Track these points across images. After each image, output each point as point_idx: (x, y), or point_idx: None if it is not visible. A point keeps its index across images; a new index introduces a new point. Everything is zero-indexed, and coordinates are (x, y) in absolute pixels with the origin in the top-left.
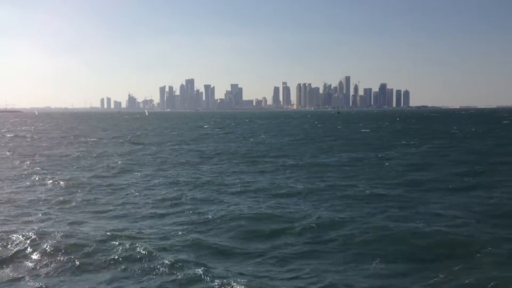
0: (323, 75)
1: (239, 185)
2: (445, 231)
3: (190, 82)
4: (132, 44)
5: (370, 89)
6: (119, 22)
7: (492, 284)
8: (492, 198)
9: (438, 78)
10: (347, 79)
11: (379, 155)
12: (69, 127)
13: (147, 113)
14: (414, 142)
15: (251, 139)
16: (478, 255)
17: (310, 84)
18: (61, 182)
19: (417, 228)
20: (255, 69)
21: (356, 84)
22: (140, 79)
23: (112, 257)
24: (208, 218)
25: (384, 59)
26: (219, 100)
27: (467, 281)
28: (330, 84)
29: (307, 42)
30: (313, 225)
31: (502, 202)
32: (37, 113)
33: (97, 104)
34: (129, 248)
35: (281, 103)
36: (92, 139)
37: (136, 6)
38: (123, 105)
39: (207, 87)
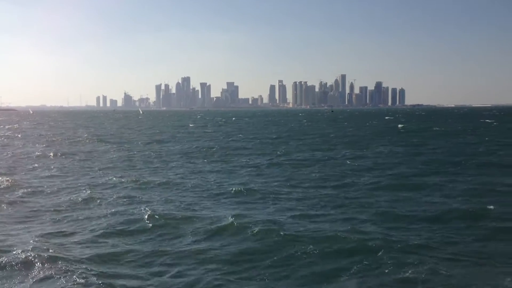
0: (319, 73)
1: (172, 182)
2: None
3: (186, 80)
4: (128, 42)
5: (366, 88)
6: (115, 20)
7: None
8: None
9: (434, 76)
10: (343, 77)
11: (338, 155)
12: (52, 125)
13: (141, 112)
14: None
15: (230, 138)
16: (382, 255)
17: (306, 82)
18: None
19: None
20: (251, 67)
21: (352, 83)
22: (136, 77)
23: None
24: (126, 218)
25: (380, 57)
26: (215, 98)
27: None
28: (326, 82)
29: (303, 40)
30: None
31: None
32: (31, 112)
33: (93, 102)
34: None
35: (277, 102)
36: (63, 138)
37: (132, 3)
38: (119, 103)
39: (203, 85)
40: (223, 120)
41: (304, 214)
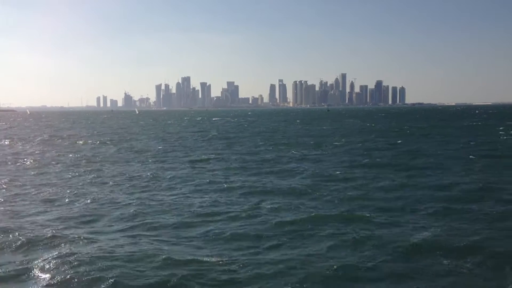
0: (319, 72)
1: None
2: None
3: (186, 80)
4: (129, 43)
5: (366, 86)
6: (116, 21)
7: None
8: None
9: (435, 75)
10: (343, 76)
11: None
12: (26, 126)
13: (137, 112)
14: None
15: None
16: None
17: (306, 81)
18: None
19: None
20: (252, 66)
21: (352, 81)
22: (136, 77)
23: None
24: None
25: (381, 56)
26: (215, 98)
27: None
28: (326, 81)
29: (303, 39)
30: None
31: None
32: (28, 112)
33: (93, 103)
34: None
35: (278, 101)
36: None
37: (132, 4)
38: (119, 103)
39: (203, 85)
40: (199, 118)
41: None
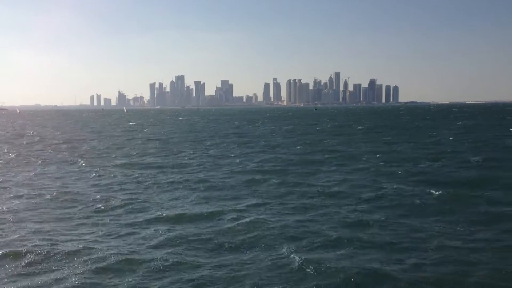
0: (313, 71)
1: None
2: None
3: (180, 78)
4: (122, 41)
5: (360, 85)
6: (109, 19)
7: None
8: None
9: (428, 74)
10: (337, 75)
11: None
12: (18, 124)
13: (125, 110)
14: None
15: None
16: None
17: (300, 80)
18: None
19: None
20: (246, 65)
21: (345, 80)
22: (130, 76)
23: None
24: None
25: (374, 55)
26: (209, 97)
27: None
28: (320, 80)
29: (297, 38)
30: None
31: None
32: (18, 111)
33: (87, 102)
34: None
35: (272, 99)
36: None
37: (126, 3)
38: (113, 102)
39: (197, 83)
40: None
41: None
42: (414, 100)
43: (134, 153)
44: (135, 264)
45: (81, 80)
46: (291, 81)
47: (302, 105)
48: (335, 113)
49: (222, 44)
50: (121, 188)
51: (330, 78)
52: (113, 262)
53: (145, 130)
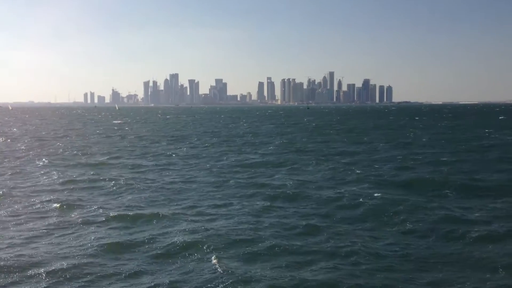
0: (307, 70)
1: None
2: None
3: (175, 76)
4: (117, 38)
5: (354, 85)
6: (103, 15)
7: None
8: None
9: (422, 74)
10: (331, 74)
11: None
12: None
13: (117, 108)
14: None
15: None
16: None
17: (294, 79)
18: None
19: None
20: (240, 64)
21: (340, 80)
22: (124, 74)
23: None
24: None
25: (369, 54)
26: (203, 95)
27: None
28: (314, 80)
29: (292, 37)
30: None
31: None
32: (10, 108)
33: (80, 99)
34: None
35: (266, 98)
36: None
37: None
38: (107, 99)
39: (191, 81)
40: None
41: None
42: (407, 100)
43: (98, 152)
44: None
45: (75, 78)
46: (285, 80)
47: (296, 104)
48: (326, 112)
49: (217, 42)
50: (57, 189)
51: (324, 77)
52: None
53: (126, 129)
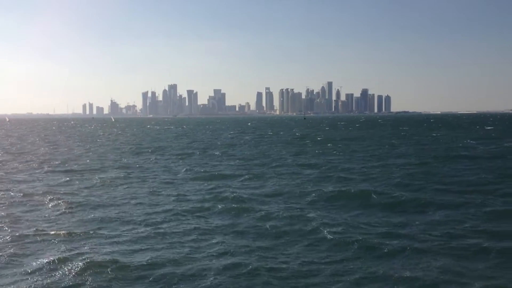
0: (306, 80)
1: None
2: None
3: (173, 87)
4: (115, 49)
5: (352, 95)
6: (103, 26)
7: None
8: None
9: (420, 84)
10: (330, 84)
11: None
12: None
13: (113, 120)
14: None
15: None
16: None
17: (292, 89)
18: None
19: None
20: (239, 74)
21: (338, 90)
22: (123, 85)
23: None
24: None
25: (367, 64)
26: (202, 106)
27: None
28: (313, 90)
29: (290, 47)
30: None
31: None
32: (7, 120)
33: (79, 110)
34: None
35: (264, 109)
36: None
37: (118, 11)
38: (106, 110)
39: (190, 92)
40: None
41: None
42: (406, 110)
43: (61, 163)
44: None
45: (73, 89)
46: (284, 90)
47: (295, 114)
48: (318, 122)
49: (215, 53)
50: None
51: (323, 87)
52: None
53: (100, 140)
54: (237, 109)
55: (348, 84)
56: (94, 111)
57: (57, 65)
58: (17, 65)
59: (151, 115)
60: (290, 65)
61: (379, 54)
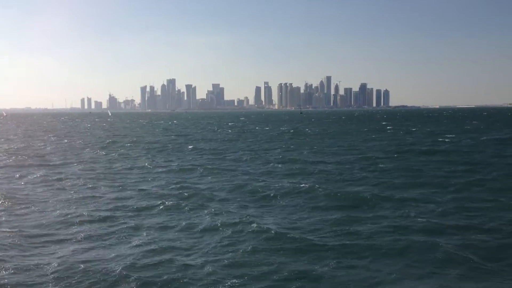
0: (304, 74)
1: None
2: None
3: (172, 82)
4: (114, 44)
5: (351, 89)
6: (100, 22)
7: None
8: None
9: (419, 78)
10: (328, 79)
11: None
12: None
13: (109, 114)
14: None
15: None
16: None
17: (291, 84)
18: None
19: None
20: (237, 68)
21: (336, 84)
22: (121, 79)
23: None
24: None
25: (365, 59)
26: (200, 100)
27: None
28: (311, 84)
29: (289, 42)
30: None
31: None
32: (5, 114)
33: (77, 105)
34: None
35: (263, 103)
36: None
37: (116, 5)
38: (104, 105)
39: (188, 87)
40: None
41: None
42: (405, 104)
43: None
44: None
45: (72, 83)
46: (282, 84)
47: (293, 108)
48: (314, 116)
49: (214, 47)
50: None
51: (321, 82)
52: None
53: (87, 134)
54: (235, 103)
55: (347, 79)
56: (93, 106)
57: (56, 60)
58: (16, 60)
59: (149, 110)
60: (289, 60)
61: (378, 50)
